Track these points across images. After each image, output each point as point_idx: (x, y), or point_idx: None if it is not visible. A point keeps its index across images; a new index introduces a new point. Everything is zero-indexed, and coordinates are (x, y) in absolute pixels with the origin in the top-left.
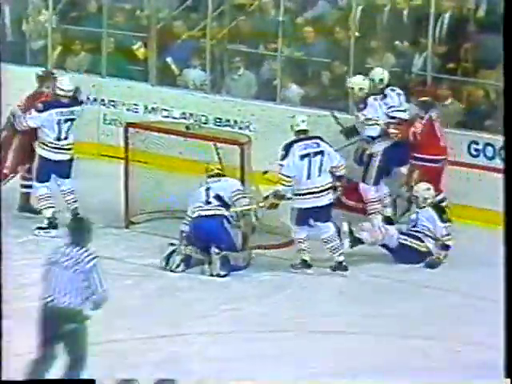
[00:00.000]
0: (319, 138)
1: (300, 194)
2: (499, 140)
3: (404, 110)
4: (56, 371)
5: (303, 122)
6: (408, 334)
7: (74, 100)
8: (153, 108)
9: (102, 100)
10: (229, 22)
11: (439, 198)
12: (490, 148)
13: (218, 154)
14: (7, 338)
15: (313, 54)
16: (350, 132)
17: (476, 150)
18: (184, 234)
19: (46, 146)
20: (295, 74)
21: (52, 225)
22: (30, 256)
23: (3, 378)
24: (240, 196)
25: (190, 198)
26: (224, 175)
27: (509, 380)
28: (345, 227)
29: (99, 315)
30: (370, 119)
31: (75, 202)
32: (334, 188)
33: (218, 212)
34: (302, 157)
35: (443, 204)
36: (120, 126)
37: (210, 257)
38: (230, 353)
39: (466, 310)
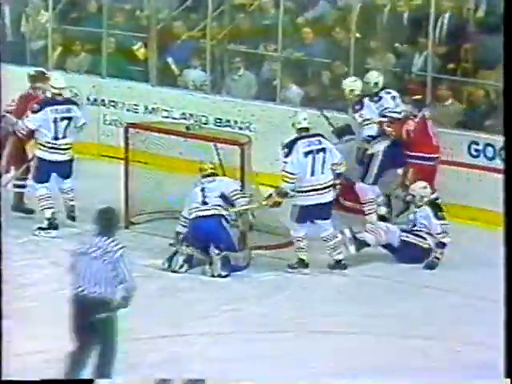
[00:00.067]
0: (321, 135)
1: (303, 191)
2: (499, 140)
3: (399, 112)
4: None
5: (305, 119)
6: (408, 334)
7: (69, 100)
8: (153, 108)
9: (103, 100)
10: (229, 22)
11: (433, 196)
12: (490, 148)
13: (218, 154)
14: (7, 338)
15: (313, 54)
16: (342, 132)
17: (476, 150)
18: (181, 236)
19: (43, 146)
20: (295, 75)
21: (52, 225)
22: (30, 256)
23: (3, 378)
24: (239, 196)
25: (185, 199)
26: (217, 174)
27: (509, 380)
28: (348, 233)
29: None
30: (367, 119)
31: (73, 200)
32: (334, 186)
33: (216, 212)
34: (306, 154)
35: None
36: (120, 127)
37: (211, 257)
38: (230, 353)
39: (466, 310)
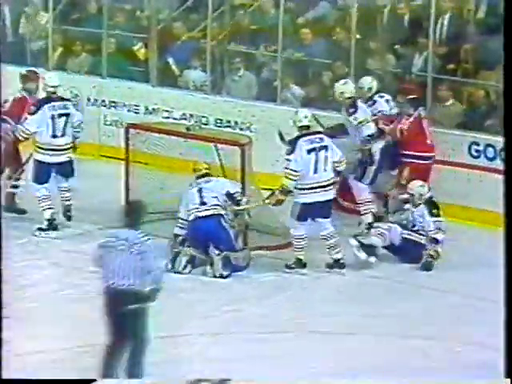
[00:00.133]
0: (322, 132)
1: (305, 189)
2: (500, 141)
3: (394, 114)
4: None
5: (306, 117)
6: (408, 334)
7: (63, 98)
8: (153, 109)
9: (103, 101)
10: (229, 22)
11: (428, 195)
12: (490, 149)
13: (218, 154)
14: (7, 338)
15: (313, 54)
16: (333, 131)
17: (477, 150)
18: (180, 238)
19: (42, 148)
20: (296, 75)
21: (52, 226)
22: (30, 257)
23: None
24: (238, 195)
25: (181, 201)
26: (212, 174)
27: (509, 380)
28: (353, 242)
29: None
30: (363, 120)
31: (69, 200)
32: (335, 184)
33: (215, 212)
34: (309, 151)
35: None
36: (121, 127)
37: (211, 258)
38: (231, 353)
39: (466, 310)
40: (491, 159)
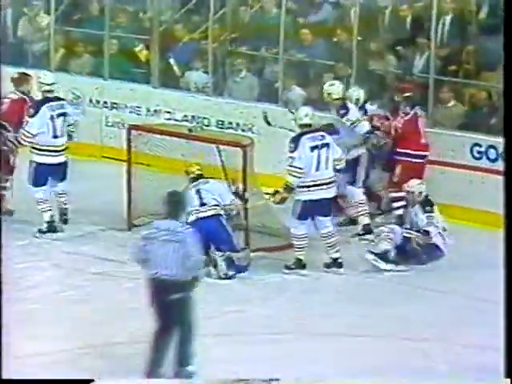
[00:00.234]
0: (323, 130)
1: (307, 186)
2: (502, 142)
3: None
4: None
5: (306, 115)
6: (408, 335)
7: (59, 97)
8: (155, 110)
9: (105, 102)
10: (231, 24)
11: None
12: (492, 150)
13: (220, 156)
14: (7, 338)
15: (315, 55)
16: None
17: (479, 152)
18: None
19: (40, 150)
20: (297, 77)
21: (51, 228)
22: (32, 258)
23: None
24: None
25: None
26: (204, 176)
27: (509, 380)
28: (370, 256)
29: (100, 317)
30: (356, 120)
31: (66, 204)
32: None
33: (215, 212)
34: (312, 148)
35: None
36: (122, 129)
37: (215, 260)
38: (233, 354)
39: (467, 311)
40: (493, 160)
